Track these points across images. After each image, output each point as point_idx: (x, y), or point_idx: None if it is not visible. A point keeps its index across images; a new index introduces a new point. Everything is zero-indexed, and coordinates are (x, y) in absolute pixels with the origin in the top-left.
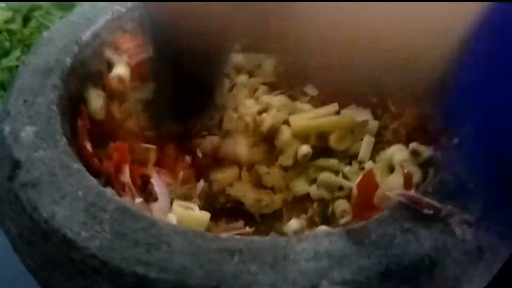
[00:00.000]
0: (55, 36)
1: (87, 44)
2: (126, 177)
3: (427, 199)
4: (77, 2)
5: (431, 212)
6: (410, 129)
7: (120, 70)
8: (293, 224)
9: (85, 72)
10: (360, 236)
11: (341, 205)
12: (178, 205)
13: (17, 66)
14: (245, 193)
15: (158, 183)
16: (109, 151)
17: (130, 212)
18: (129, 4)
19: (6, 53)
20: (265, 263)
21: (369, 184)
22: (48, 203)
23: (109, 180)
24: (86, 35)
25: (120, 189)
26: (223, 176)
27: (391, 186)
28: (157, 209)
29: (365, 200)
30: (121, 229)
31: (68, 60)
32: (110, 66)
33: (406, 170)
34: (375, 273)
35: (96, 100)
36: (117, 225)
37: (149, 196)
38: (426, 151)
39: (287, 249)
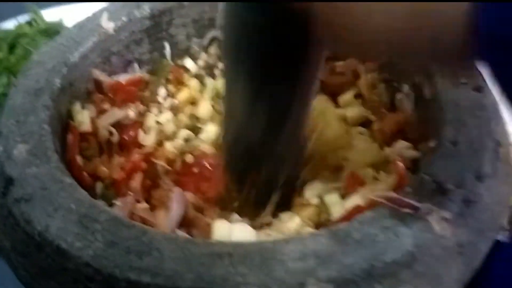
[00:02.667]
0: (44, 58)
1: (75, 65)
2: (136, 182)
3: (406, 199)
4: (62, 29)
5: (411, 211)
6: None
7: None
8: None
9: (74, 92)
10: (344, 235)
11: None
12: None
13: (3, 94)
14: None
15: (179, 197)
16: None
17: (121, 222)
18: (116, 26)
19: None
20: (254, 264)
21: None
22: (42, 217)
23: (112, 186)
24: (74, 57)
25: (125, 192)
26: None
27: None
28: (163, 218)
29: None
30: (113, 238)
31: (57, 81)
32: (98, 85)
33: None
34: (359, 270)
35: (82, 113)
36: (109, 234)
37: (158, 204)
38: (409, 153)
39: (274, 250)
